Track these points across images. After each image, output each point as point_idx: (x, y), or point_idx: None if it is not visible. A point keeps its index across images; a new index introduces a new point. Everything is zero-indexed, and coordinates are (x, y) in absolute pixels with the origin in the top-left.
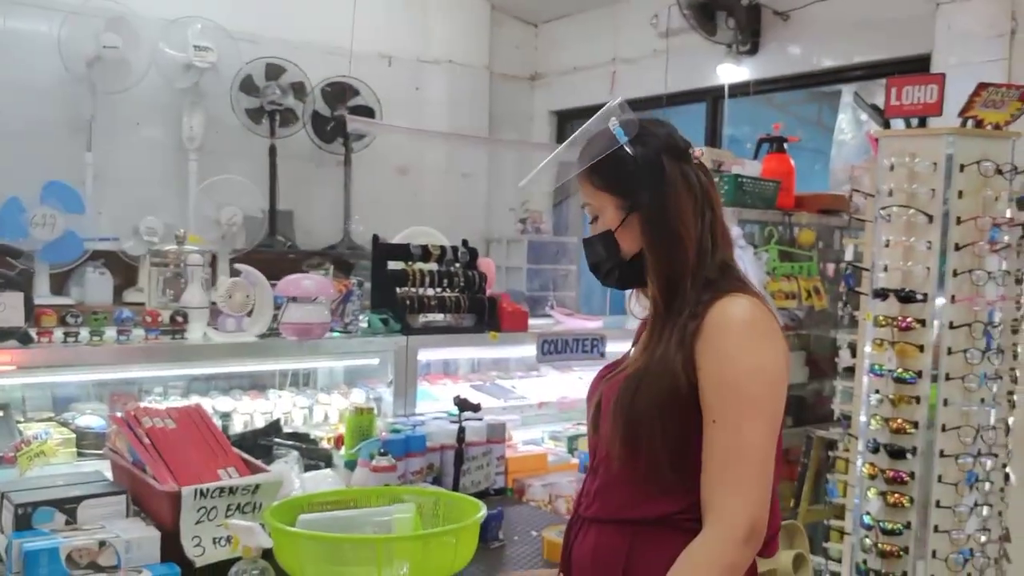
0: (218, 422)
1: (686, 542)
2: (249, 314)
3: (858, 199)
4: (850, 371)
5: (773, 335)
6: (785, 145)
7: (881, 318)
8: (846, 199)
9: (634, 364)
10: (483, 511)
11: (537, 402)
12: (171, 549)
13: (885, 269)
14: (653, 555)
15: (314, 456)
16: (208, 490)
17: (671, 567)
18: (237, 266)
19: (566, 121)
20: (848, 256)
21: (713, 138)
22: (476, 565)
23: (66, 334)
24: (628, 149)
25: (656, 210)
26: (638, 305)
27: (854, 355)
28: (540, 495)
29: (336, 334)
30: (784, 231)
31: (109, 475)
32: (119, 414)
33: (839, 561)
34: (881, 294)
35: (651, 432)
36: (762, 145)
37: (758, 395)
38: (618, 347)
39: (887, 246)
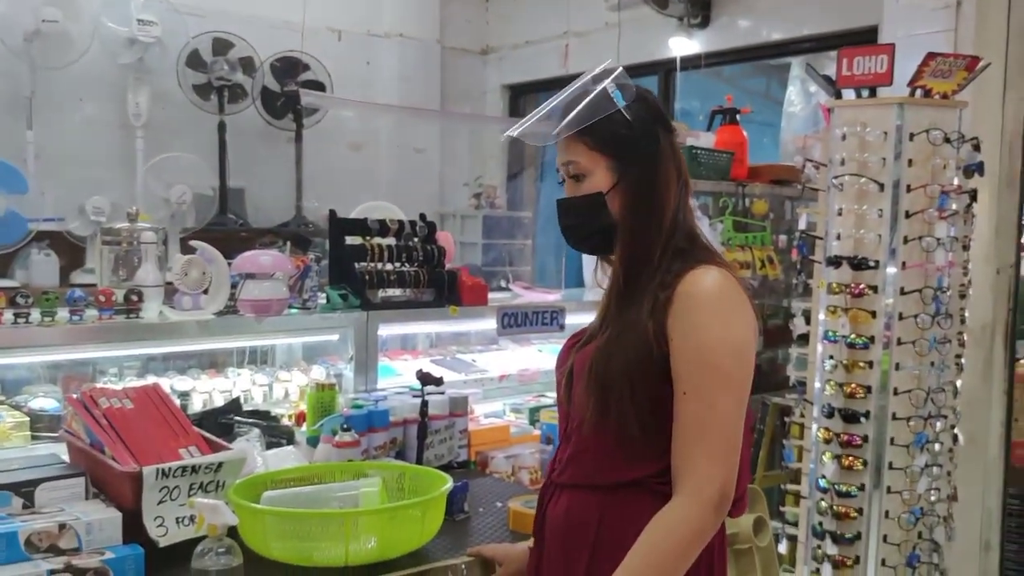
0: (176, 402)
1: (655, 505)
2: (205, 292)
3: (810, 169)
4: (804, 338)
5: (743, 306)
6: (737, 117)
7: (834, 285)
8: (798, 169)
9: (606, 331)
10: (449, 483)
11: (498, 375)
12: (133, 530)
13: (838, 237)
14: (623, 518)
15: (276, 433)
16: (170, 469)
17: (643, 531)
18: (192, 243)
19: (519, 95)
20: (802, 225)
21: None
22: (443, 537)
23: (16, 315)
24: (625, 113)
25: (646, 179)
26: (603, 274)
27: (808, 322)
28: (503, 467)
29: (295, 310)
30: (738, 202)
31: (66, 458)
32: (75, 395)
33: (795, 524)
34: (834, 262)
35: (621, 398)
36: (715, 117)
37: (728, 367)
38: (576, 319)
39: (840, 215)
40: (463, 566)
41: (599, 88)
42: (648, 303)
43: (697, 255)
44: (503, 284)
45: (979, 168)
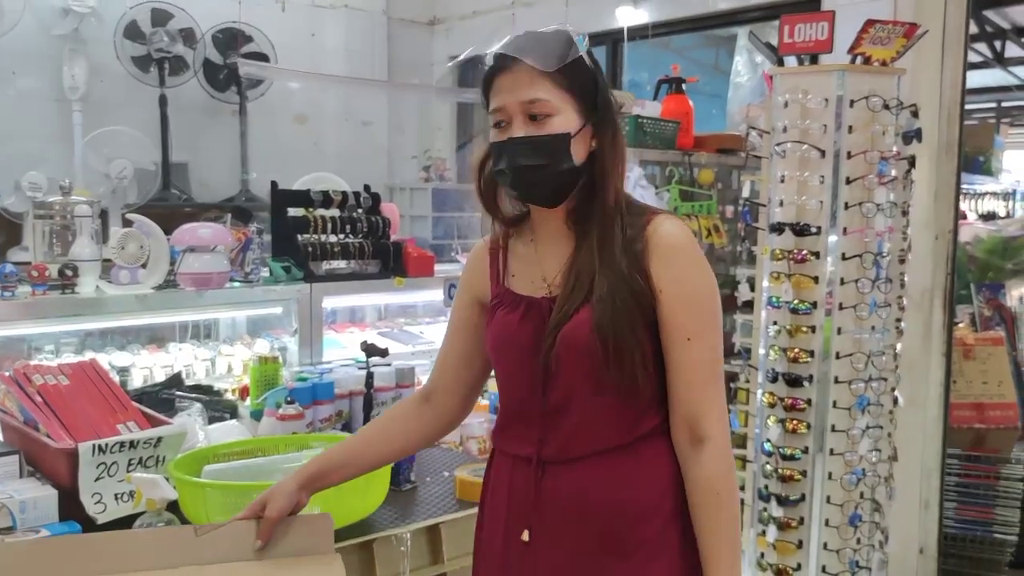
0: (116, 378)
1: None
2: (144, 266)
3: (754, 137)
4: (749, 305)
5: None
6: (684, 86)
7: (778, 252)
8: (743, 138)
9: (593, 291)
10: None
11: None
12: (71, 508)
13: (781, 204)
14: (652, 469)
15: (219, 408)
16: (107, 445)
17: (694, 492)
18: (129, 216)
19: (467, 67)
20: (745, 193)
21: (613, 81)
22: (388, 507)
23: None
24: (587, 61)
25: (615, 129)
26: (499, 224)
27: (753, 289)
28: (451, 437)
29: (236, 284)
30: (684, 171)
31: None
32: (7, 373)
33: (742, 488)
34: (777, 228)
35: (633, 354)
36: (661, 86)
37: (716, 310)
38: None
39: (782, 182)
40: (408, 535)
41: (565, 32)
42: (626, 255)
43: (640, 207)
44: (454, 256)
45: (917, 135)
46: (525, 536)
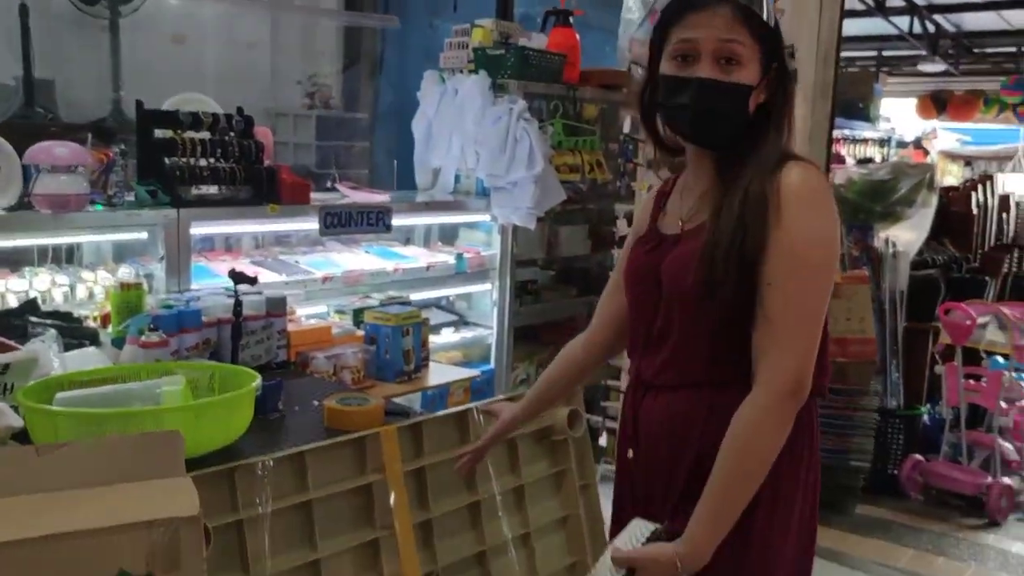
0: None
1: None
2: None
3: (637, 73)
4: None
5: (832, 202)
6: (571, 19)
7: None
8: (627, 74)
9: (711, 226)
10: (258, 380)
11: (321, 276)
12: None
13: None
14: (730, 413)
15: (77, 335)
16: None
17: (728, 430)
18: None
19: None
20: (626, 128)
21: (504, 13)
22: (254, 435)
23: None
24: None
25: (788, 85)
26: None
27: (630, 225)
28: (324, 367)
29: (98, 207)
30: (569, 106)
31: None
32: None
33: (615, 418)
34: (655, 164)
35: (725, 288)
36: (548, 18)
37: (816, 262)
38: (404, 221)
39: None
40: (271, 463)
41: None
42: (749, 196)
43: (784, 156)
44: (330, 184)
45: (793, 76)
46: (630, 454)
